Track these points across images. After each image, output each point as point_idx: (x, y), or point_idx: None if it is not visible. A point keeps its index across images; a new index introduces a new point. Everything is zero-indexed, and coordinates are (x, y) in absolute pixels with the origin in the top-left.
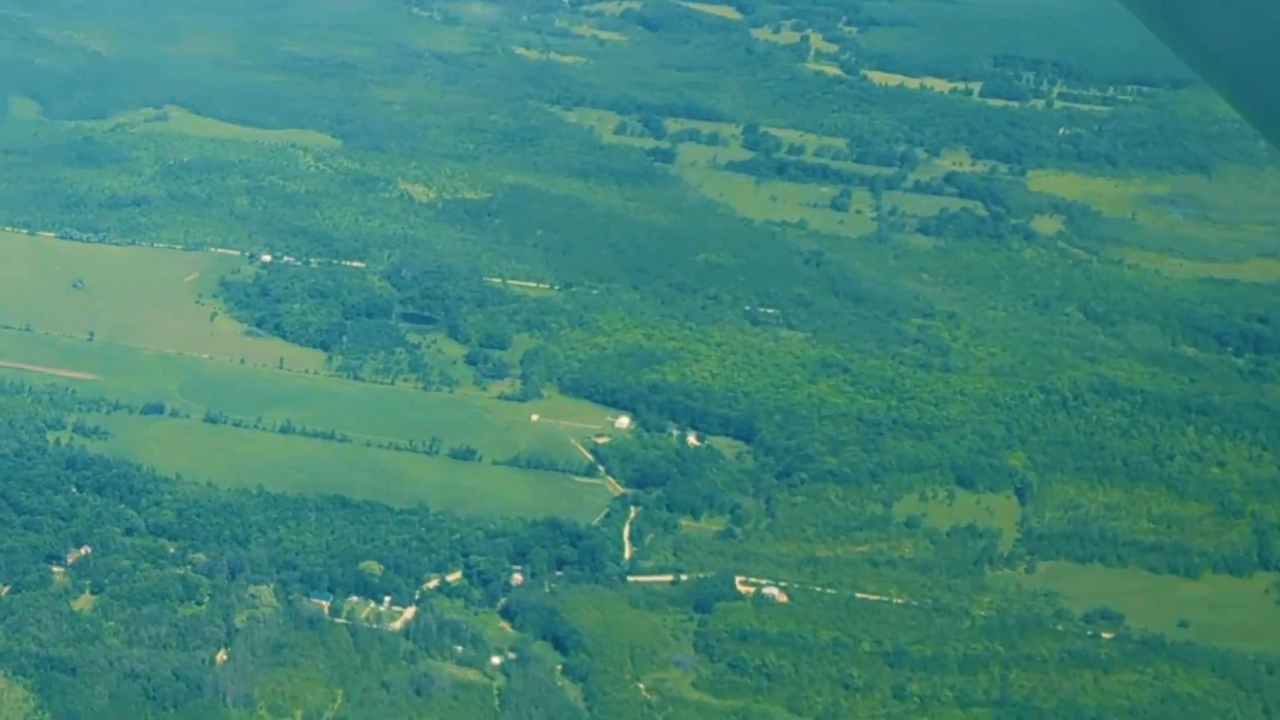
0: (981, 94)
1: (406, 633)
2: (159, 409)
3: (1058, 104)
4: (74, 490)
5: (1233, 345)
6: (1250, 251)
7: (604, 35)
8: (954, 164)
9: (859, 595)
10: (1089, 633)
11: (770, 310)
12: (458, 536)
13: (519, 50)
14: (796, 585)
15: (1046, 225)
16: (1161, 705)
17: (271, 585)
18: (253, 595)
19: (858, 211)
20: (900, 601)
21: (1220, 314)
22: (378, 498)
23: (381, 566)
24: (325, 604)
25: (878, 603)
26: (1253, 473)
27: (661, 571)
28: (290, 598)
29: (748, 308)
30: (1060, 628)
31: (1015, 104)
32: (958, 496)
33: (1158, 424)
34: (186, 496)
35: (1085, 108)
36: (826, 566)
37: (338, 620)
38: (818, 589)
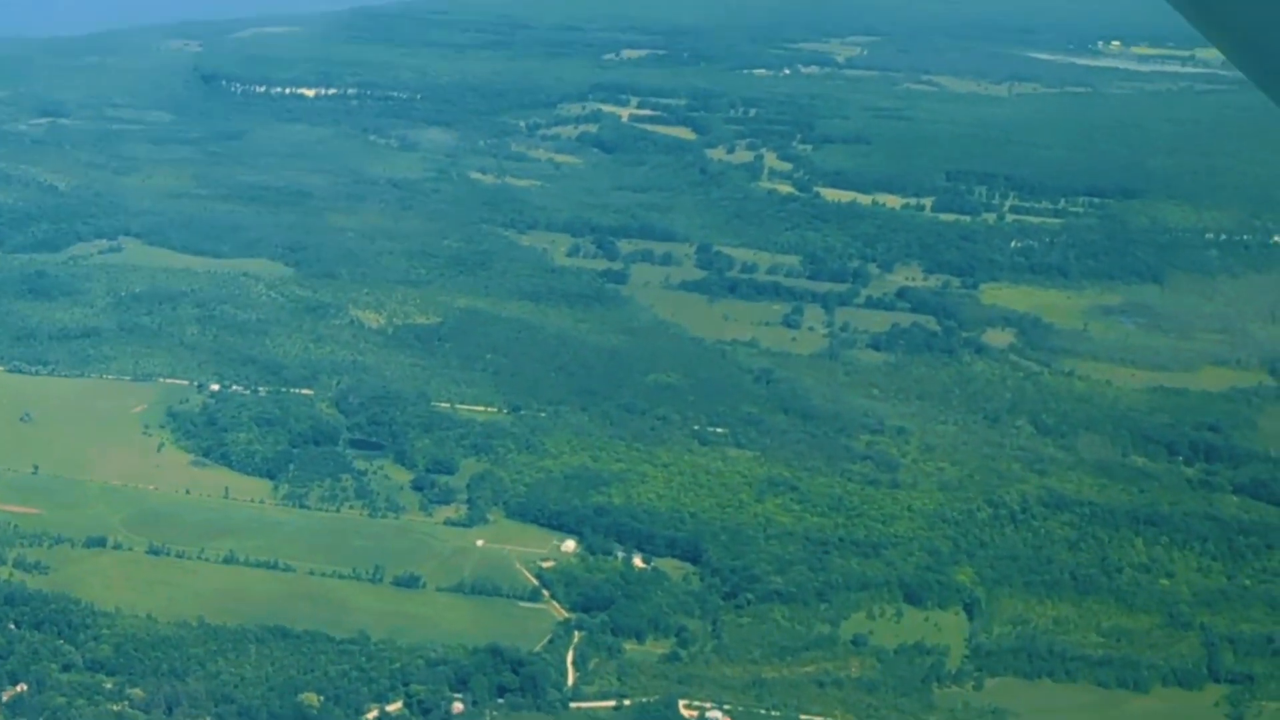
0: (934, 209)
1: None
2: (102, 542)
3: (1009, 217)
4: (12, 627)
5: (1183, 454)
6: (1202, 360)
7: (560, 159)
8: (907, 279)
9: (804, 717)
10: None
11: (719, 429)
12: (398, 665)
13: (474, 175)
14: (741, 708)
15: (998, 338)
16: None
17: None
18: None
19: (810, 328)
20: None
21: (1170, 423)
22: (319, 627)
23: (320, 698)
24: None
25: None
26: (1201, 584)
27: (604, 697)
28: None
29: (696, 427)
30: None
31: (967, 218)
32: (906, 614)
33: (1106, 536)
34: (125, 630)
35: (1037, 220)
36: (772, 688)
37: None
38: (763, 711)
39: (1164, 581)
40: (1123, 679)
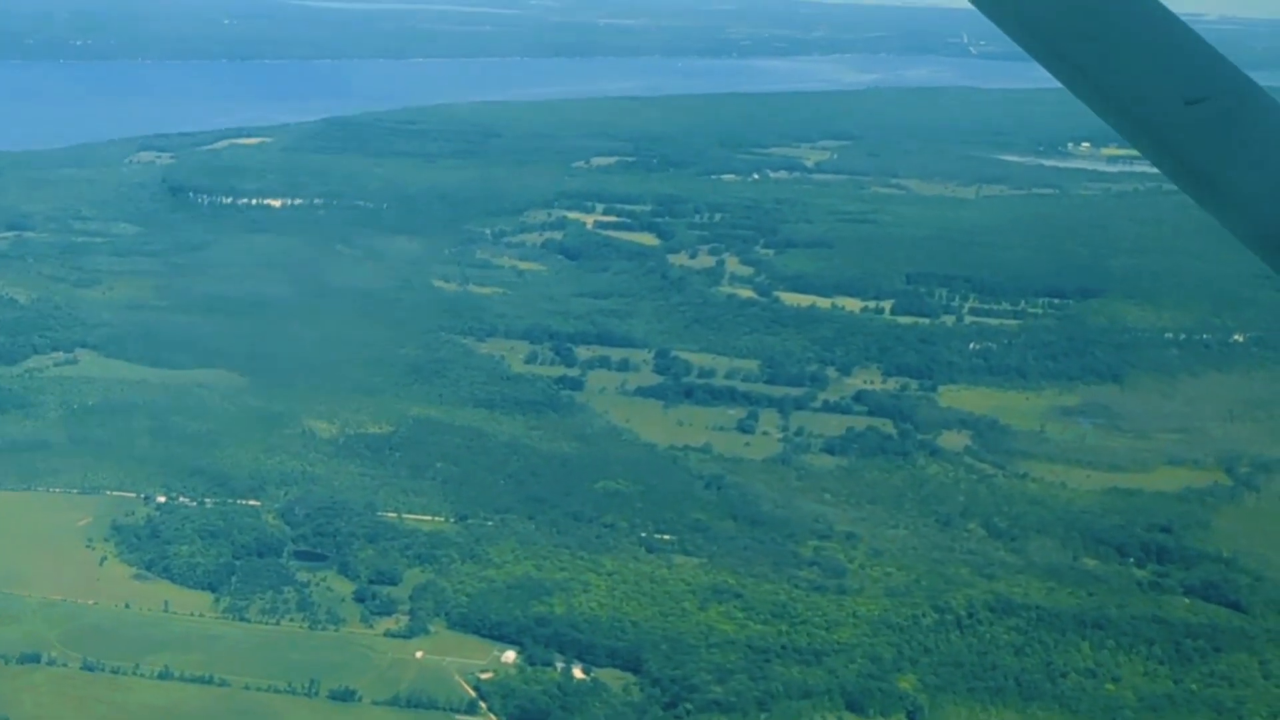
0: (893, 311)
1: None
2: (36, 658)
3: (969, 319)
4: None
5: (1134, 556)
6: (1158, 460)
7: (523, 265)
8: (864, 382)
9: None
10: None
11: (666, 536)
12: None
13: (437, 283)
14: None
15: (954, 440)
16: None
17: None
18: None
19: (764, 433)
20: None
21: (1122, 525)
22: None
23: None
24: None
25: None
26: (1146, 688)
27: None
28: None
29: (644, 535)
30: None
31: (926, 320)
32: None
33: (1052, 640)
34: None
35: (996, 321)
36: None
37: None
38: None
39: (1109, 686)
40: None
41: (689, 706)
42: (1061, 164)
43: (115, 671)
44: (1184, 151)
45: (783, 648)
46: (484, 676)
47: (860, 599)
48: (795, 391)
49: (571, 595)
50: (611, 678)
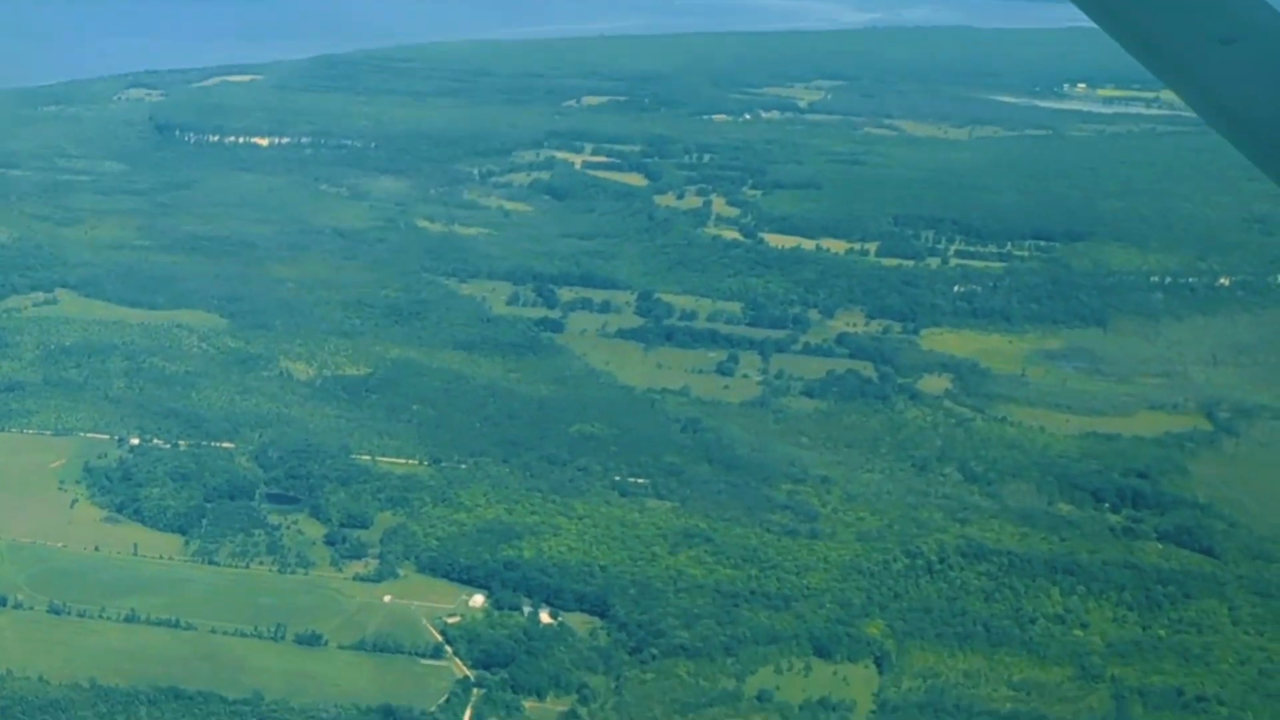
0: (878, 254)
1: None
2: (3, 602)
3: (954, 261)
4: None
5: (1109, 501)
6: (1138, 405)
7: (510, 206)
8: (847, 325)
9: None
10: None
11: (640, 480)
12: None
13: (422, 224)
14: None
15: (934, 384)
16: None
17: None
18: None
19: (744, 376)
20: None
21: (1099, 470)
22: (213, 688)
23: None
24: None
25: None
26: (1115, 634)
27: None
28: None
29: (617, 478)
30: None
31: (911, 263)
32: (815, 668)
33: (1022, 586)
34: (14, 694)
35: (981, 264)
36: None
37: None
38: None
39: (1078, 632)
40: None
41: (654, 651)
42: (1057, 105)
43: (82, 615)
44: (1217, 90)
45: (751, 593)
46: (451, 621)
47: (831, 544)
48: (777, 334)
49: (541, 539)
50: (579, 622)
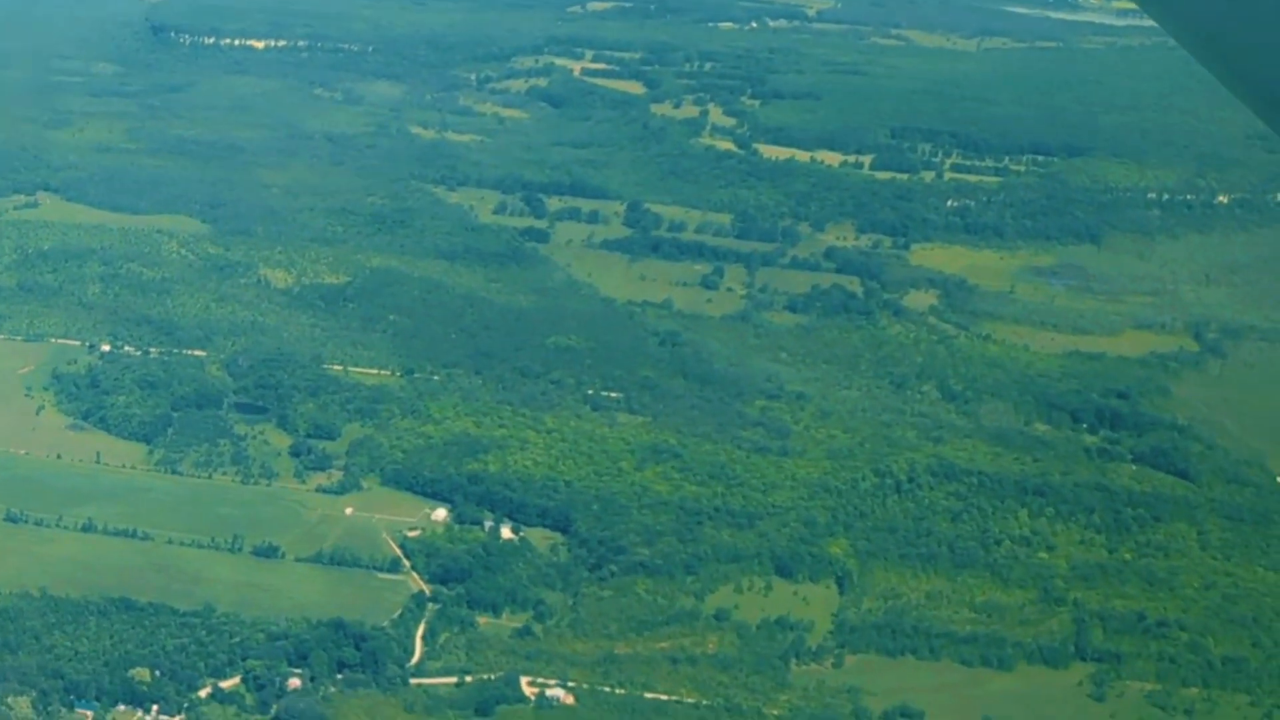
0: (872, 166)
1: None
2: None
3: (949, 175)
4: None
5: (1087, 422)
6: (1126, 324)
7: (506, 113)
8: (837, 239)
9: (649, 695)
10: None
11: (613, 394)
12: (238, 640)
13: (414, 130)
14: (586, 686)
15: (920, 300)
16: None
17: (31, 696)
18: (7, 707)
19: (728, 289)
20: (691, 701)
21: (1079, 389)
22: (166, 599)
23: (155, 673)
24: (89, 714)
25: (667, 704)
26: (1080, 557)
27: (448, 673)
28: (50, 709)
29: (590, 392)
30: None
31: (905, 176)
32: (775, 587)
33: (990, 507)
34: None
35: (976, 179)
36: (623, 665)
37: None
38: (608, 689)
39: (1043, 555)
40: (987, 657)
41: (614, 568)
42: (1069, 16)
43: (39, 524)
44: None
45: (716, 510)
46: (411, 534)
47: (801, 461)
48: (765, 247)
49: (508, 453)
50: (540, 537)
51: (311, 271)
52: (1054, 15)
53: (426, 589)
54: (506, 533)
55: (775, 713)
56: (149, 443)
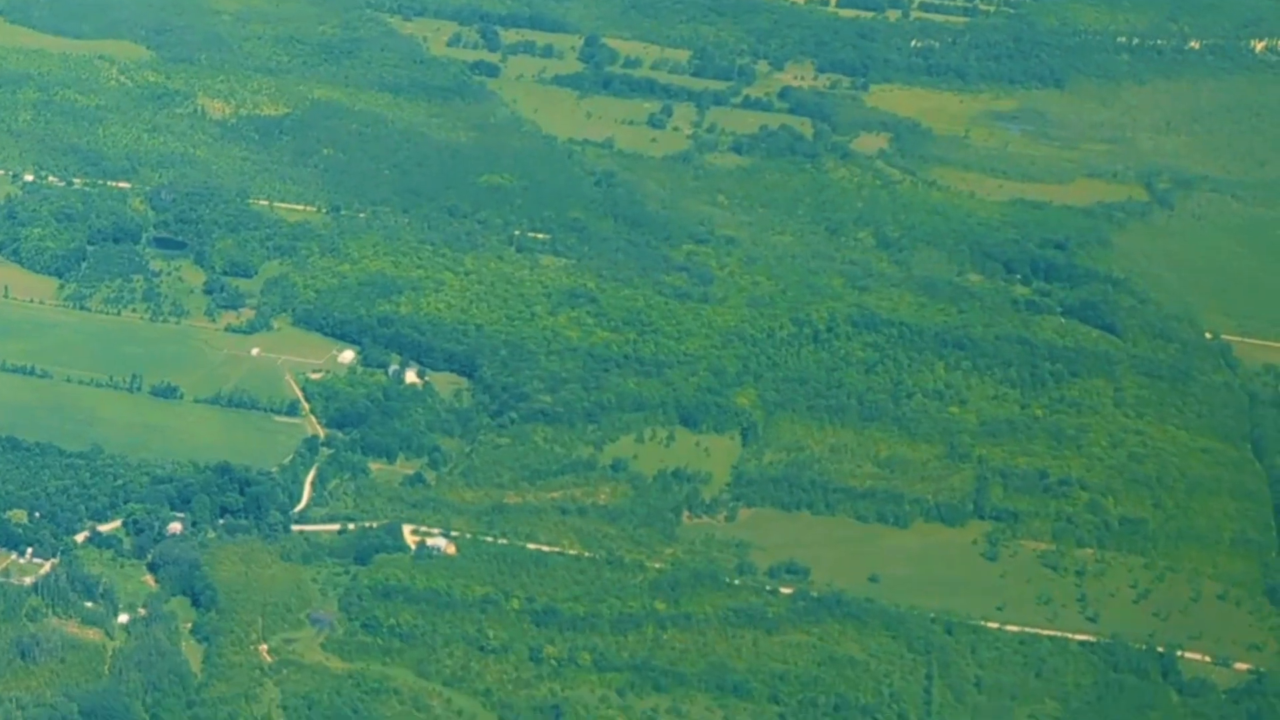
0: (838, 4)
1: (36, 588)
2: None
3: (915, 14)
4: None
5: (1021, 273)
6: (1078, 172)
7: None
8: (794, 78)
9: (531, 546)
10: (767, 589)
11: (540, 235)
12: (122, 483)
13: None
14: (470, 536)
15: (871, 143)
16: (817, 669)
17: None
18: None
19: (675, 129)
20: (574, 554)
21: (1017, 239)
22: (55, 440)
23: (32, 514)
24: None
25: (549, 555)
26: (990, 412)
27: (333, 520)
28: None
29: (516, 233)
30: (737, 583)
31: (870, 14)
32: (678, 437)
33: (907, 359)
34: None
35: (943, 18)
36: (510, 515)
37: None
38: (490, 539)
39: (954, 409)
40: (884, 514)
41: (514, 415)
42: None
43: None
44: None
45: (625, 358)
46: (314, 377)
47: (720, 308)
48: (719, 85)
49: (421, 295)
50: (445, 382)
51: (251, 102)
52: None
53: (322, 433)
54: (411, 377)
55: (658, 566)
56: (61, 277)
